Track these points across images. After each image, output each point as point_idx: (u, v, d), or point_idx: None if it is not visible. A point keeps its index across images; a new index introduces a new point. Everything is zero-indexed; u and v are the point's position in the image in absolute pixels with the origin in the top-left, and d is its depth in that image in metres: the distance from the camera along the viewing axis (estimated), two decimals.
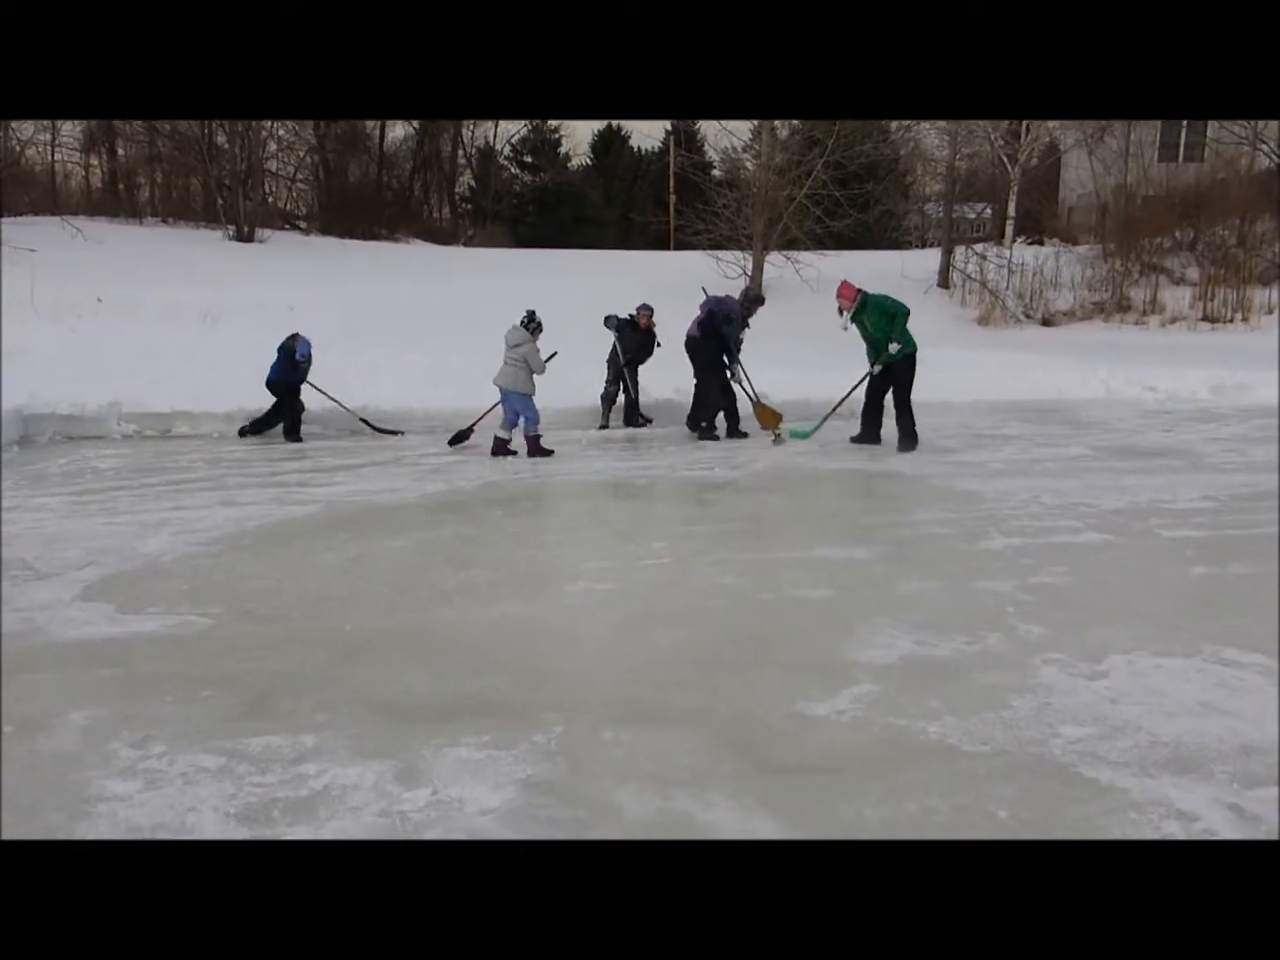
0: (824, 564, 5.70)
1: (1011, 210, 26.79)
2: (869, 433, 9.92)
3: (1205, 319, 22.80)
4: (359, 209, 31.40)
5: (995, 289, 23.74)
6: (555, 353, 9.62)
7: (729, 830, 3.01)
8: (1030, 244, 26.90)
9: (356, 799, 3.17)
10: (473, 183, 40.91)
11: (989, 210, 31.87)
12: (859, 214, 23.80)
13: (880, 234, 27.25)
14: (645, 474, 8.19)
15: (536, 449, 9.13)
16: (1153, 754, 3.52)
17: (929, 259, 25.16)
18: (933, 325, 19.57)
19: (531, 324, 9.30)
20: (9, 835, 2.87)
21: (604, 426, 11.12)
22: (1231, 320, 22.52)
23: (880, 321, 9.63)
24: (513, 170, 41.89)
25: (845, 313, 9.92)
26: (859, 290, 9.94)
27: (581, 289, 18.14)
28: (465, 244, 32.32)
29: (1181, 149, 28.59)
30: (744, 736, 3.64)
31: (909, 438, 9.55)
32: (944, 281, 24.42)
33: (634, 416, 11.28)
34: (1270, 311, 22.17)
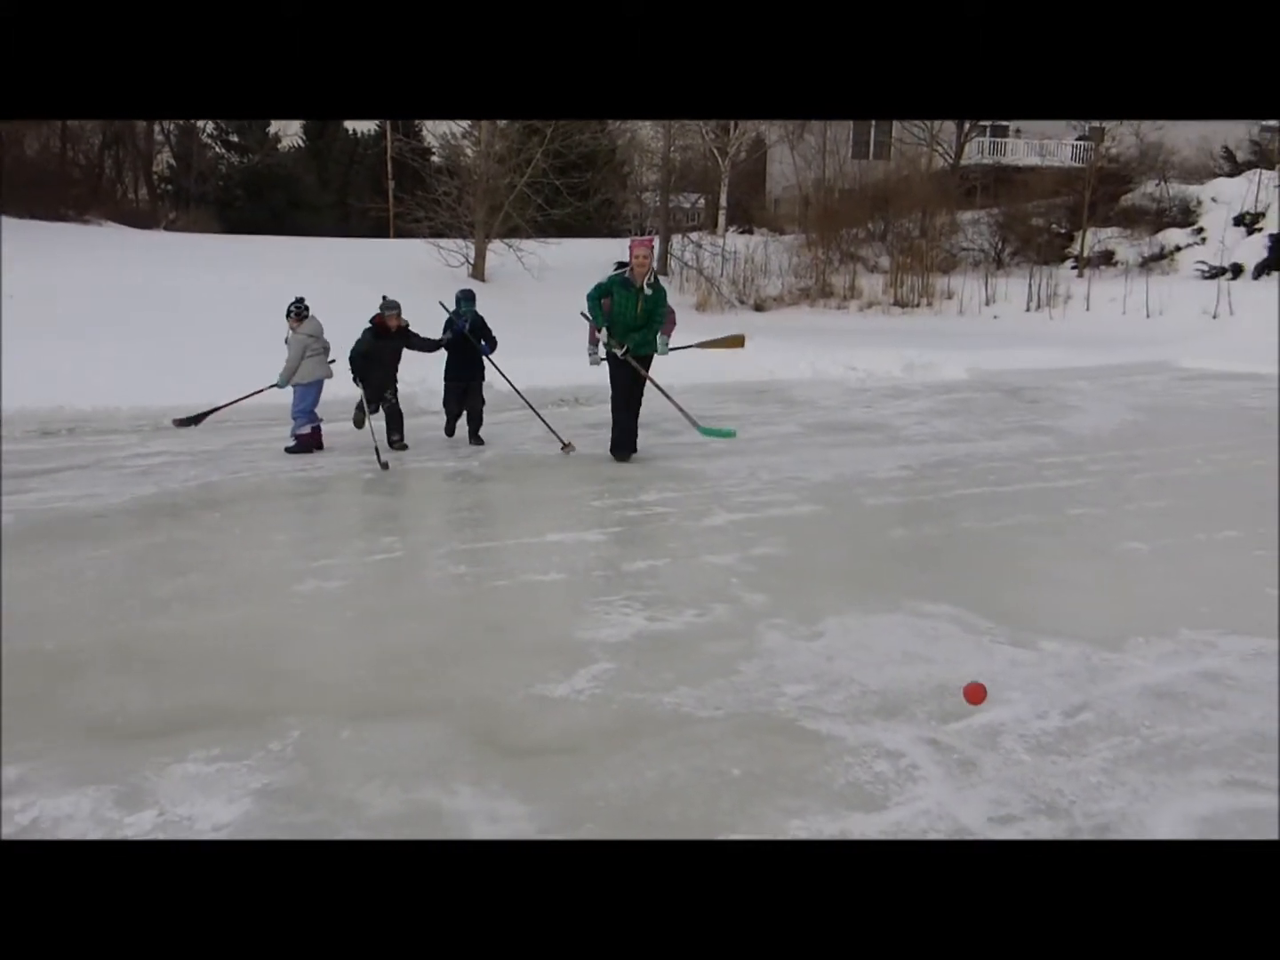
0: (556, 548, 5.79)
1: (723, 201, 28.06)
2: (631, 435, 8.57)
3: (896, 304, 24.79)
4: (39, 186, 28.63)
5: (711, 276, 24.79)
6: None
7: (476, 816, 3.03)
8: (741, 233, 28.26)
9: (72, 829, 2.95)
10: (172, 161, 38.26)
11: (702, 200, 33.18)
12: (579, 202, 24.20)
13: (600, 222, 27.80)
14: (374, 468, 8.01)
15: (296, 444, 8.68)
16: (864, 703, 3.83)
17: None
18: None
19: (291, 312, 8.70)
20: None
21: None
22: (918, 305, 24.62)
23: (663, 305, 8.54)
24: (217, 150, 39.48)
25: (644, 278, 8.26)
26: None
27: (300, 278, 17.41)
28: (166, 228, 30.21)
29: (871, 147, 30.87)
30: (484, 723, 3.66)
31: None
32: (662, 269, 25.23)
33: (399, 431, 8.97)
34: (950, 297, 24.38)
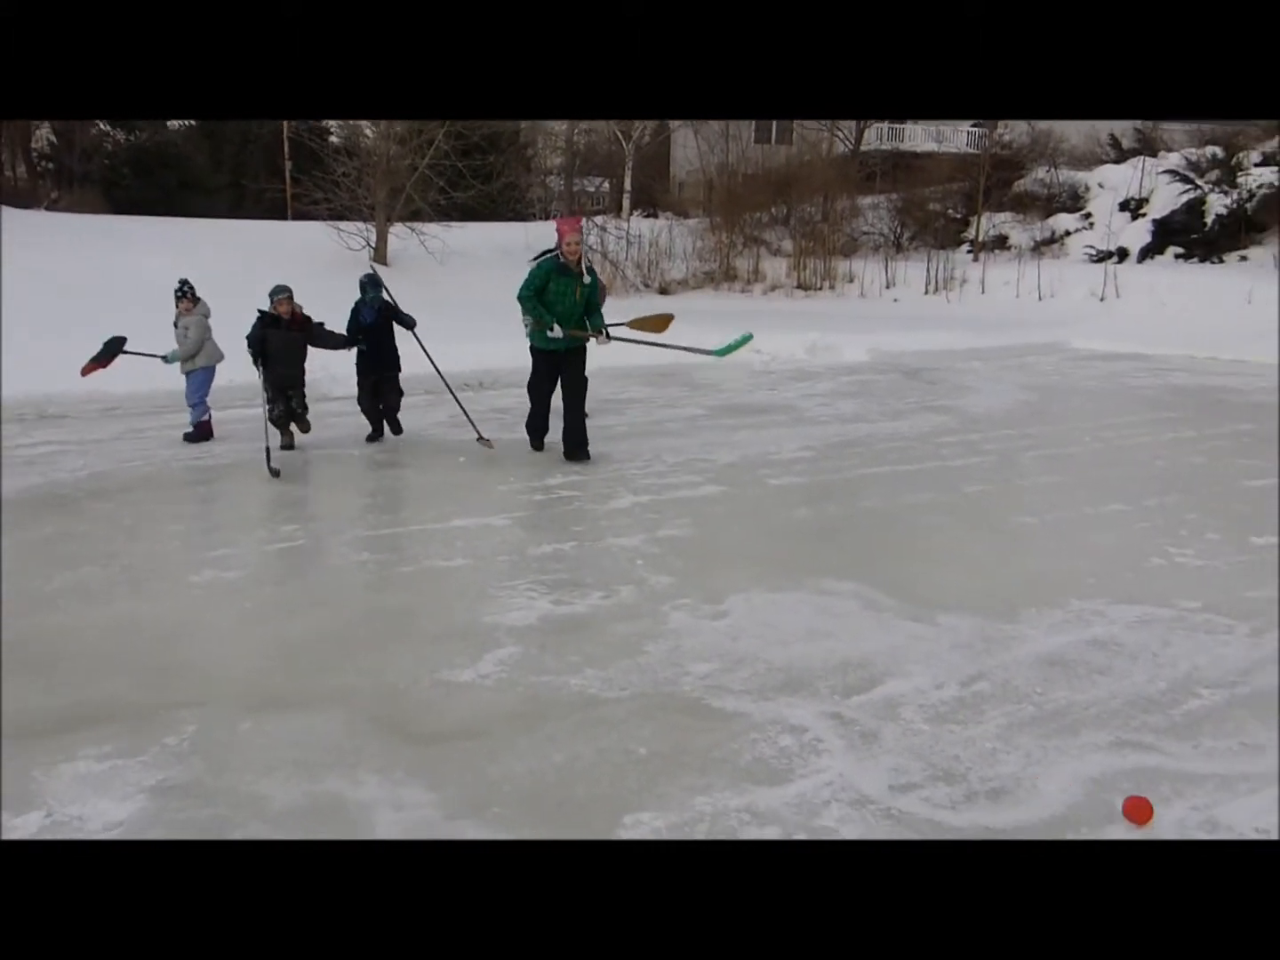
0: (461, 533, 5.74)
1: (628, 185, 28.03)
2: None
3: (800, 287, 25.09)
4: None
5: (615, 259, 24.76)
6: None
7: (381, 806, 3.00)
8: (646, 217, 28.28)
9: None
10: (53, 138, 36.70)
11: (607, 184, 33.11)
12: (482, 185, 23.92)
13: (504, 206, 27.53)
14: (274, 455, 7.82)
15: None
16: (769, 679, 3.89)
17: (552, 230, 25.72)
18: None
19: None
20: None
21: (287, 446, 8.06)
22: (821, 288, 24.96)
23: (598, 289, 7.84)
24: (102, 127, 38.00)
25: (580, 261, 7.59)
26: None
27: (194, 260, 16.89)
28: (48, 208, 29.01)
29: (773, 132, 31.15)
30: (389, 711, 3.62)
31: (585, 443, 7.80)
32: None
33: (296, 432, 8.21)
34: (851, 280, 24.77)
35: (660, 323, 8.66)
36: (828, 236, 25.62)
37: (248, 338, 7.78)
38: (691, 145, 29.91)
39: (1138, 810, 2.98)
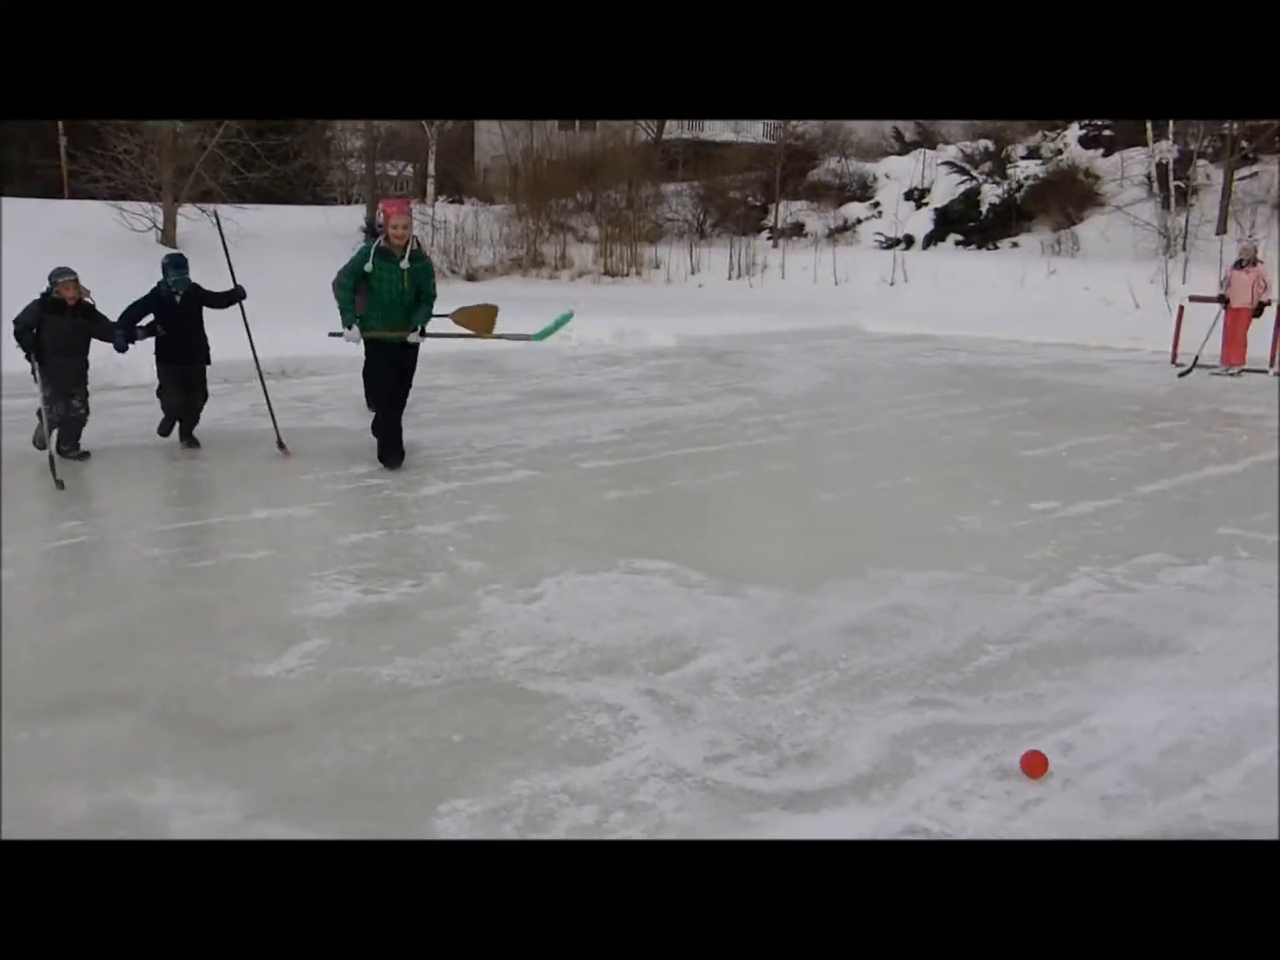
0: (263, 525, 5.50)
1: (431, 169, 27.47)
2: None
3: (607, 273, 25.24)
4: None
5: (421, 245, 24.28)
6: None
7: (177, 810, 2.83)
8: (451, 202, 27.79)
9: None
10: None
11: (410, 169, 32.35)
12: (279, 166, 22.95)
13: (303, 189, 26.51)
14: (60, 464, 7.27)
15: None
16: (584, 660, 3.89)
17: (354, 215, 25.03)
18: None
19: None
20: None
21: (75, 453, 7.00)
22: (628, 274, 25.18)
23: (433, 278, 7.11)
24: None
25: (405, 246, 6.84)
26: None
27: None
28: None
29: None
30: (186, 711, 3.43)
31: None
32: (374, 232, 24.47)
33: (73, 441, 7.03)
34: (657, 266, 25.10)
35: (486, 315, 8.08)
36: (633, 223, 25.85)
37: (16, 321, 6.72)
38: (496, 131, 29.60)
39: (1033, 765, 3.12)
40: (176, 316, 7.27)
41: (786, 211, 26.08)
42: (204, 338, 7.45)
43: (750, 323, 16.05)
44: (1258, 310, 12.27)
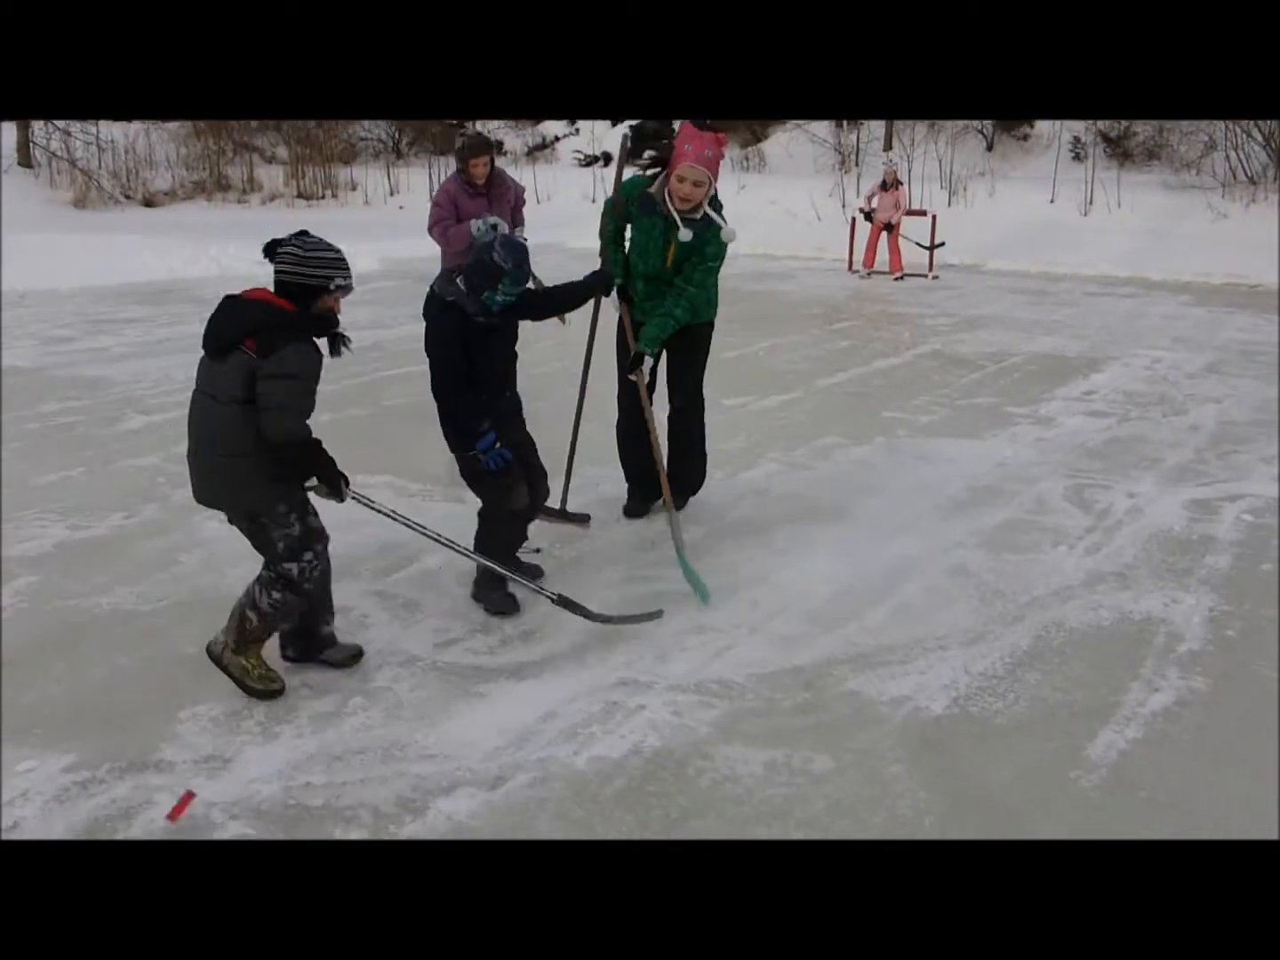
0: None
1: None
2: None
3: (300, 196, 24.19)
4: None
5: (87, 168, 22.27)
6: None
7: None
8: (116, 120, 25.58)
9: None
10: None
11: None
12: None
13: None
14: None
15: None
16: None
17: (5, 135, 22.57)
18: (20, 209, 17.80)
19: None
20: None
21: None
22: (323, 197, 24.25)
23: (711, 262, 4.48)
24: None
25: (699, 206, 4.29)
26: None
27: None
28: None
29: None
30: None
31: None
32: (25, 160, 22.15)
33: None
34: (354, 188, 24.32)
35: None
36: (324, 142, 24.82)
37: None
38: None
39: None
40: None
41: (485, 128, 25.86)
42: None
43: None
44: (888, 226, 13.48)
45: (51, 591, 3.80)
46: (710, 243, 4.31)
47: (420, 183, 23.67)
